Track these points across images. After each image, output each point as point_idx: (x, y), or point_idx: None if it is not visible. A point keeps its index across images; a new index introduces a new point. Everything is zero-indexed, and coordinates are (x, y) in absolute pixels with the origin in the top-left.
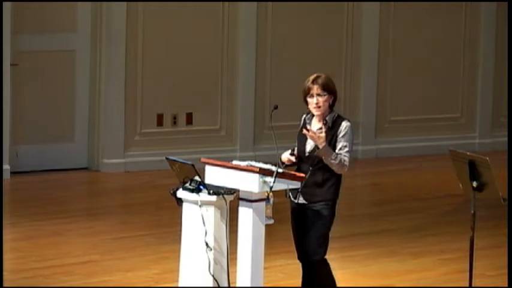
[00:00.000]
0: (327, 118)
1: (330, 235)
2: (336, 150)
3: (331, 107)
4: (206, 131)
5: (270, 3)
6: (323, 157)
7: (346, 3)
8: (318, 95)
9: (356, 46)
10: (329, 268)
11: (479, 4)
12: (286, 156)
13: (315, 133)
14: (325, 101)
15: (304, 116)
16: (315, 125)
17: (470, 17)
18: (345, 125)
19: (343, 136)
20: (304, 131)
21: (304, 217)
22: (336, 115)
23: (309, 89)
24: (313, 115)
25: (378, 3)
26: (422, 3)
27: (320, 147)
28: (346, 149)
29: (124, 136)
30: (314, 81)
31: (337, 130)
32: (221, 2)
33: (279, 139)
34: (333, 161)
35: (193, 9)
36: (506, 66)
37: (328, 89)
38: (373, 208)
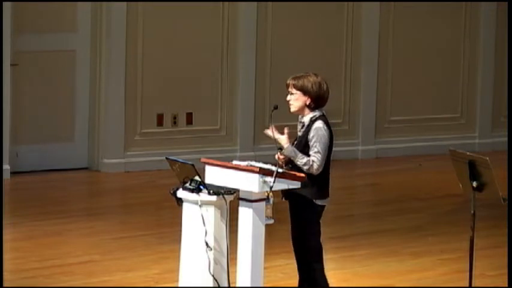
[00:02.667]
0: (304, 118)
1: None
2: (309, 152)
3: (310, 107)
4: (206, 131)
5: (270, 3)
6: (292, 158)
7: (346, 3)
8: (290, 92)
9: (356, 46)
10: (318, 273)
11: (479, 4)
12: (277, 156)
13: (275, 136)
14: (296, 99)
15: None
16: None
17: (470, 17)
18: (315, 126)
19: (312, 137)
20: (266, 130)
21: (291, 216)
22: (317, 116)
23: (287, 85)
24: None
25: (378, 3)
26: (422, 3)
27: (284, 147)
28: (315, 150)
29: (124, 136)
30: (292, 79)
31: (309, 130)
32: (221, 2)
33: None
34: (298, 162)
35: (193, 9)
36: (506, 66)
37: (303, 89)
38: (373, 208)
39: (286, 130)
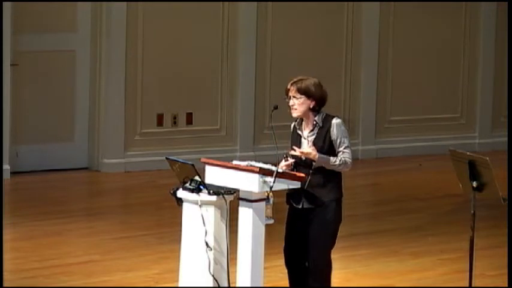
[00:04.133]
0: (316, 119)
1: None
2: (337, 150)
3: (314, 110)
4: (206, 131)
5: (270, 3)
6: (323, 165)
7: (346, 3)
8: (294, 97)
9: (356, 46)
10: (330, 270)
11: (479, 4)
12: (282, 164)
13: (302, 152)
14: (301, 104)
15: (293, 123)
16: (306, 129)
17: (470, 17)
18: (335, 122)
19: (337, 134)
20: (292, 152)
21: (310, 221)
22: (324, 115)
23: (287, 91)
24: (302, 120)
25: (378, 3)
26: (422, 3)
27: (315, 159)
28: (345, 145)
29: (124, 136)
30: (292, 84)
31: (328, 128)
32: (221, 2)
33: (279, 139)
34: (333, 165)
35: (193, 9)
36: (506, 66)
37: (307, 93)
38: (373, 208)
39: (310, 144)
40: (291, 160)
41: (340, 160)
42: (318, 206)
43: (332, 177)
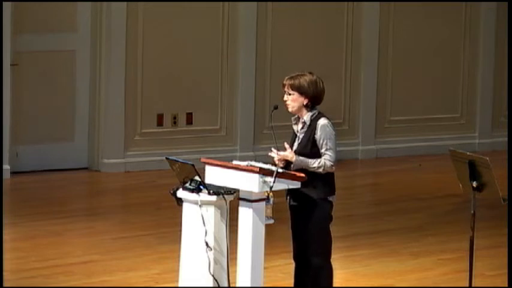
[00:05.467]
0: (305, 117)
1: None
2: (320, 151)
3: (308, 107)
4: (206, 131)
5: (270, 3)
6: (304, 167)
7: (346, 3)
8: (287, 93)
9: (356, 46)
10: (328, 273)
11: (479, 4)
12: (274, 157)
13: (279, 154)
14: (293, 100)
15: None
16: (299, 125)
17: (470, 17)
18: (321, 123)
19: (320, 135)
20: (270, 153)
21: (297, 218)
22: (316, 114)
23: (283, 85)
24: (298, 116)
25: (378, 3)
26: (422, 3)
27: (293, 161)
28: (327, 147)
29: (124, 136)
30: (288, 79)
31: (314, 128)
32: (221, 2)
33: (279, 139)
34: (311, 168)
35: (193, 9)
36: (506, 66)
37: (300, 89)
38: (373, 208)
39: (286, 145)
40: (276, 151)
41: (319, 163)
42: (301, 204)
43: (315, 177)
